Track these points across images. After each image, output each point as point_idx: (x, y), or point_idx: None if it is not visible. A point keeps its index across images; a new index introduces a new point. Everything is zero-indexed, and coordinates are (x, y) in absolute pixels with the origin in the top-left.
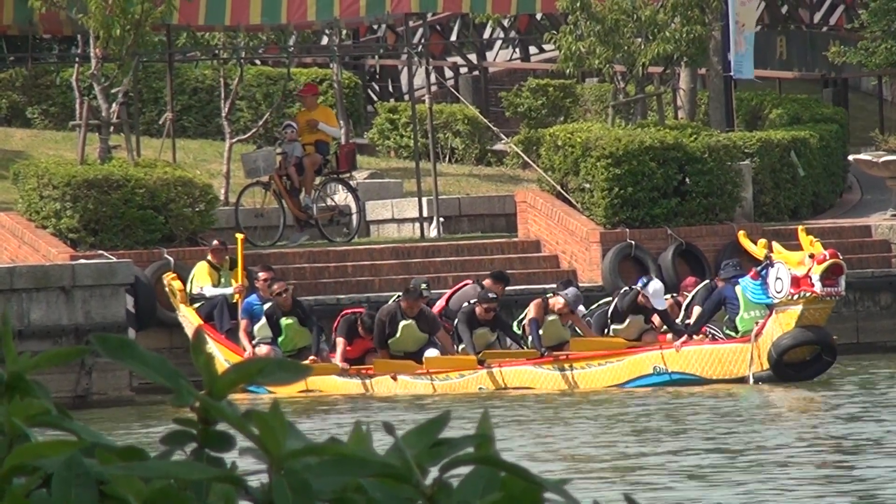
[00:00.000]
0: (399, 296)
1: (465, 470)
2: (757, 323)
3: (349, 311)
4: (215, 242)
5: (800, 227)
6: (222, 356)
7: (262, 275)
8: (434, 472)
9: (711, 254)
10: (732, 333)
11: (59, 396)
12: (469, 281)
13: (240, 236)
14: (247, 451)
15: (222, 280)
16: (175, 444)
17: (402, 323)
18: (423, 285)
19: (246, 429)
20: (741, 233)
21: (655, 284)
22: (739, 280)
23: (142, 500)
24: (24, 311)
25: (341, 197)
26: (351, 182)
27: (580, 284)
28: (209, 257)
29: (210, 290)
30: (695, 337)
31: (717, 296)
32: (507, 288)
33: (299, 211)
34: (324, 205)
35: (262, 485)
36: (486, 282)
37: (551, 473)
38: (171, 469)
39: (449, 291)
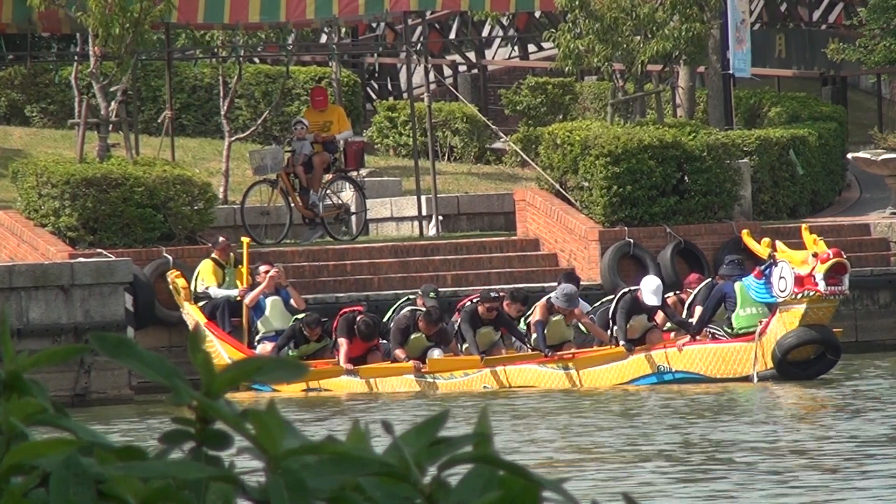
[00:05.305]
0: (408, 298)
1: (464, 469)
2: (761, 322)
3: (347, 309)
4: (222, 239)
5: (803, 226)
6: (226, 354)
7: (263, 268)
8: (433, 471)
9: (710, 252)
10: (730, 332)
11: (57, 395)
12: (475, 297)
13: (245, 240)
14: (245, 449)
15: (227, 278)
16: (173, 443)
17: (414, 335)
18: (432, 294)
19: (242, 428)
20: (745, 231)
21: (649, 281)
22: (742, 278)
23: (140, 500)
24: (22, 309)
25: (347, 195)
26: (358, 180)
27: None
28: (214, 255)
29: (216, 291)
30: (697, 337)
31: (717, 293)
32: (506, 286)
33: (306, 209)
34: (330, 203)
35: (259, 484)
36: (505, 302)
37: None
38: (169, 468)
39: (459, 305)
